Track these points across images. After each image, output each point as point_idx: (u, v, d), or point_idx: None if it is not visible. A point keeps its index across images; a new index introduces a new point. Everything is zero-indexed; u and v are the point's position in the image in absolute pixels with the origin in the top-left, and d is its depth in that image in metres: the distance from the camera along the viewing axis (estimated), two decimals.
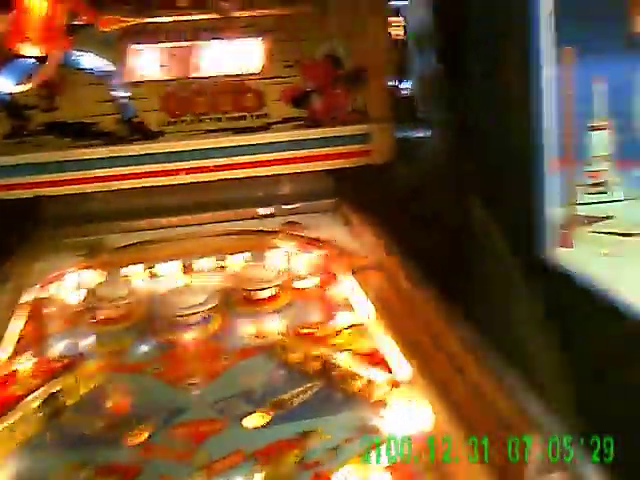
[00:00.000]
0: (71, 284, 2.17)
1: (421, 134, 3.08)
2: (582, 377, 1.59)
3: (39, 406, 1.50)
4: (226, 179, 2.55)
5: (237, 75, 2.54)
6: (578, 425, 1.24)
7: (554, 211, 1.90)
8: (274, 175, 2.59)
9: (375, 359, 1.56)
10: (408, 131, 2.96)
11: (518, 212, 2.00)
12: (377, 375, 1.50)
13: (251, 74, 2.54)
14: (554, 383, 1.59)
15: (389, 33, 2.82)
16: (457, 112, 2.61)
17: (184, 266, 2.23)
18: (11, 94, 2.43)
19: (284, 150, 2.59)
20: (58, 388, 1.56)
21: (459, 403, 1.43)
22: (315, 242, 2.28)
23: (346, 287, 1.99)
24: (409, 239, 2.27)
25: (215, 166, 2.54)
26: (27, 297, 2.04)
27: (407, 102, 3.34)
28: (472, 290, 2.30)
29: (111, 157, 2.49)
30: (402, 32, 3.15)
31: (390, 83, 2.73)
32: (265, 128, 2.60)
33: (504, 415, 1.31)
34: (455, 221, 2.64)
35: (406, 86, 3.45)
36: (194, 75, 2.52)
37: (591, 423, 1.35)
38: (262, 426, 1.44)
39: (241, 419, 1.46)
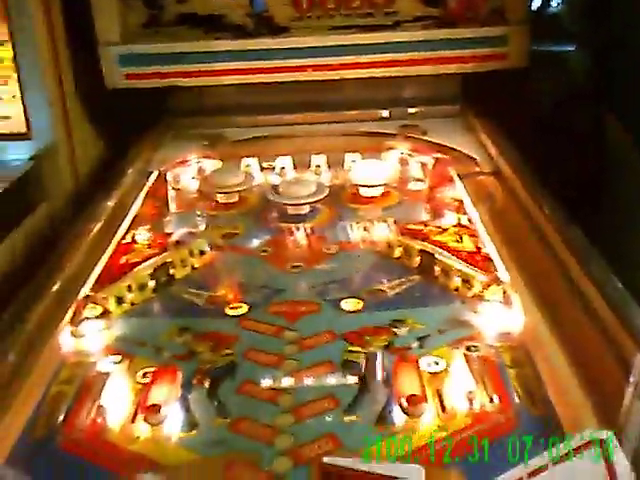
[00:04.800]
0: (191, 171, 2.24)
1: (563, 48, 2.91)
2: None
3: (150, 274, 1.58)
4: (351, 78, 2.49)
5: None
6: None
7: None
8: (399, 77, 2.49)
9: (477, 258, 1.52)
10: (549, 44, 2.80)
11: None
12: (477, 273, 1.46)
13: None
14: None
15: None
16: (605, 29, 2.44)
17: (299, 161, 2.23)
18: None
19: (414, 50, 2.45)
20: (170, 260, 1.63)
21: (558, 309, 1.39)
22: (432, 145, 2.23)
23: (458, 190, 1.94)
24: (536, 151, 2.18)
25: (341, 64, 2.47)
26: (149, 180, 2.14)
27: (551, 13, 3.15)
28: (599, 206, 2.20)
29: (239, 50, 2.48)
30: None
31: None
32: (395, 26, 2.50)
33: (608, 328, 1.26)
34: (588, 139, 2.51)
35: None
36: None
37: None
38: (355, 311, 1.45)
39: (336, 303, 1.48)
